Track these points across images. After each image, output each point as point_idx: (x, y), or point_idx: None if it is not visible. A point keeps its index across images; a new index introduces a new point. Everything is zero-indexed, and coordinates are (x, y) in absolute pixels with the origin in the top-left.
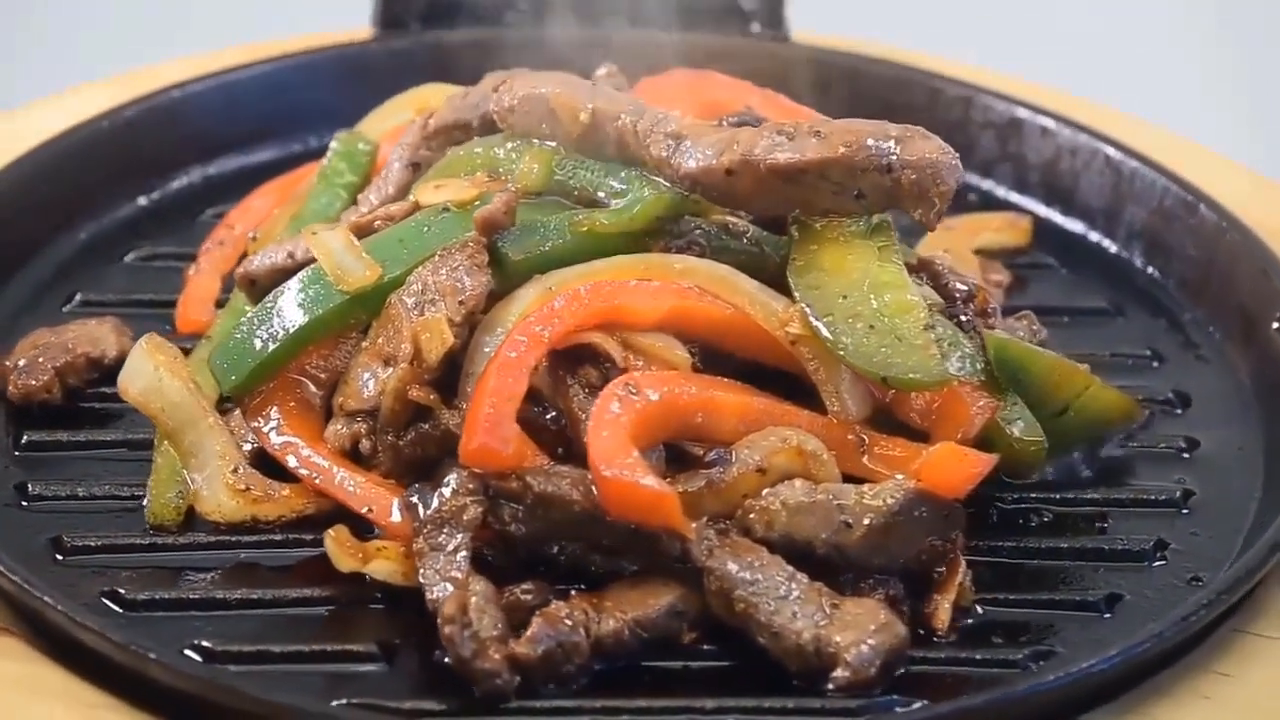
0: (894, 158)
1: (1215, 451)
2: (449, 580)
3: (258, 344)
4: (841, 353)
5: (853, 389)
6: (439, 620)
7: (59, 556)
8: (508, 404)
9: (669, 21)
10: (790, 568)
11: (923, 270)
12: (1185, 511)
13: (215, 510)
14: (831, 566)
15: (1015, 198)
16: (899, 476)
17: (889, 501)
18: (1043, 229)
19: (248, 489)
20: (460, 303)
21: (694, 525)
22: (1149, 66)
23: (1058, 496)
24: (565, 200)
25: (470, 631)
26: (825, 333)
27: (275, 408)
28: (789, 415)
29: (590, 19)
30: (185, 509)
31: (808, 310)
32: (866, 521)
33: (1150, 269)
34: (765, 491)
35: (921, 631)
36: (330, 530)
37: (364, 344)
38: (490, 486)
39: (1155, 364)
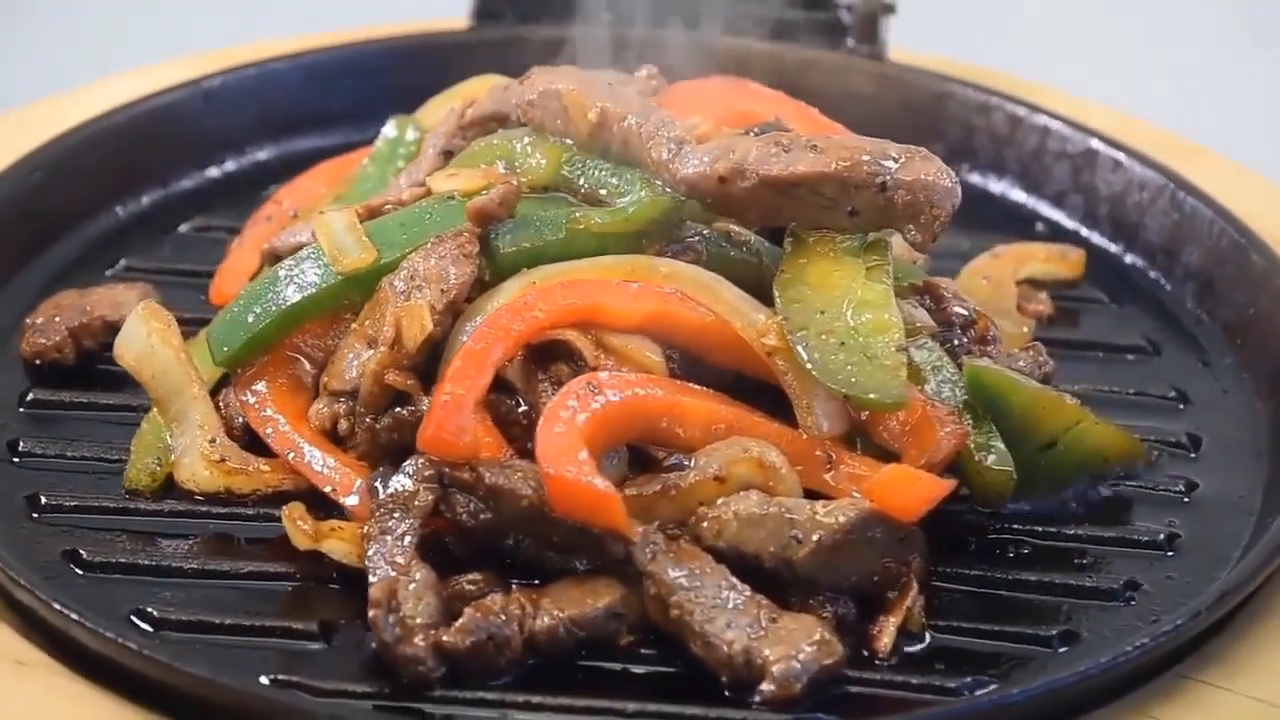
0: (889, 177)
1: (1214, 497)
2: (391, 564)
3: (250, 318)
4: (809, 367)
5: (827, 405)
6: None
7: (34, 514)
8: (466, 394)
9: (765, 31)
10: (732, 578)
11: (927, 293)
12: (1170, 554)
13: (190, 479)
14: (783, 581)
15: (1084, 230)
16: (855, 495)
17: (840, 520)
18: (1103, 263)
19: (223, 460)
20: (443, 291)
21: (641, 529)
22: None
23: (1040, 530)
24: (571, 197)
25: (397, 617)
26: (795, 346)
27: (264, 382)
28: (758, 426)
29: (689, 23)
30: (164, 476)
31: (784, 323)
32: (815, 538)
33: (1200, 310)
34: (720, 501)
35: (865, 653)
36: (286, 507)
37: (353, 325)
38: (444, 475)
39: (1180, 406)
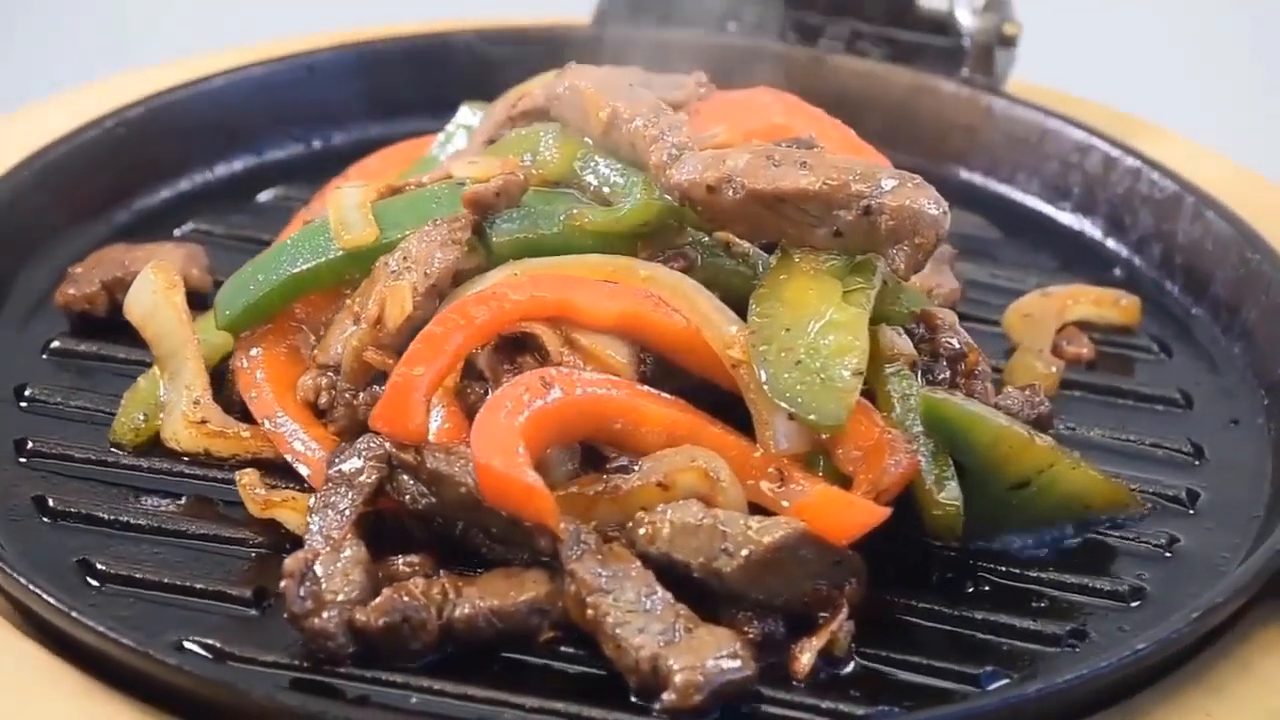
0: (874, 201)
1: (1195, 555)
2: (327, 539)
3: (254, 285)
4: (761, 381)
5: (787, 424)
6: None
7: (19, 459)
8: (419, 376)
9: (882, 53)
10: (656, 584)
11: (923, 322)
12: (1132, 606)
13: (172, 438)
14: (713, 593)
15: (1158, 278)
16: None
17: (770, 538)
18: (1167, 312)
19: (204, 421)
20: (426, 274)
21: (571, 527)
22: None
23: (1005, 569)
24: (580, 194)
25: (309, 589)
26: (755, 361)
27: (260, 349)
28: (714, 437)
29: (807, 39)
30: (149, 433)
31: (751, 337)
32: (745, 553)
33: (1248, 369)
34: (659, 507)
35: (786, 674)
36: (239, 473)
37: (348, 301)
38: (391, 455)
39: (1195, 461)
